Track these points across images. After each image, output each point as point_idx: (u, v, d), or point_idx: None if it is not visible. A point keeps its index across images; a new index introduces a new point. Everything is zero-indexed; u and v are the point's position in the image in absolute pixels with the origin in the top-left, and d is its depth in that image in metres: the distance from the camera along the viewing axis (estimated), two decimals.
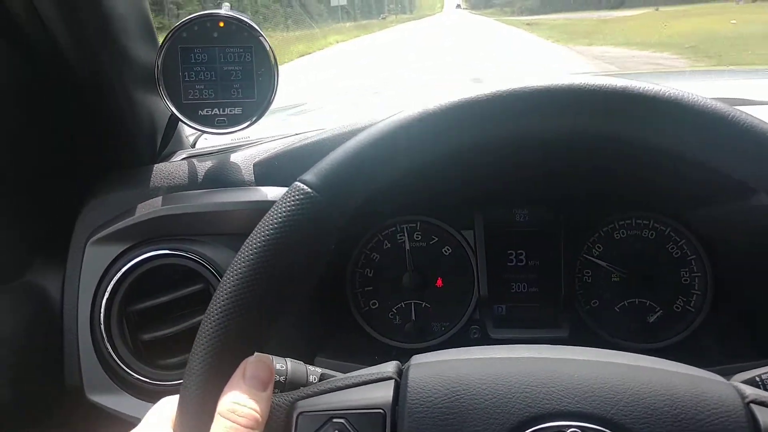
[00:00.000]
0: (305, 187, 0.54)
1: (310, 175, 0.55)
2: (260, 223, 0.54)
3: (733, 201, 0.91)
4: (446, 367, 0.52)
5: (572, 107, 0.56)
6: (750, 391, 0.49)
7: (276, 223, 0.53)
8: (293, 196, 0.54)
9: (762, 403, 0.48)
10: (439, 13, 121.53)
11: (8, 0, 0.76)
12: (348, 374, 0.56)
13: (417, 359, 0.55)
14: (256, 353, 0.61)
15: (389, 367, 0.55)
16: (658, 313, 1.01)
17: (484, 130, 0.57)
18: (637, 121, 0.55)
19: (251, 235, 0.54)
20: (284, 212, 0.53)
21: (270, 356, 0.65)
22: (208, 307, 0.53)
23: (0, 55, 0.79)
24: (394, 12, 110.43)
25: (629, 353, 0.54)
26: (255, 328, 0.53)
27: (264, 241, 0.53)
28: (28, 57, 0.83)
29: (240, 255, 0.53)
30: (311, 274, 0.57)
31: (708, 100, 0.54)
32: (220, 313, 0.52)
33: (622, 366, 0.51)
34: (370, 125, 0.58)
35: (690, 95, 0.55)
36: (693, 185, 0.91)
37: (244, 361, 0.53)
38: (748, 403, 0.48)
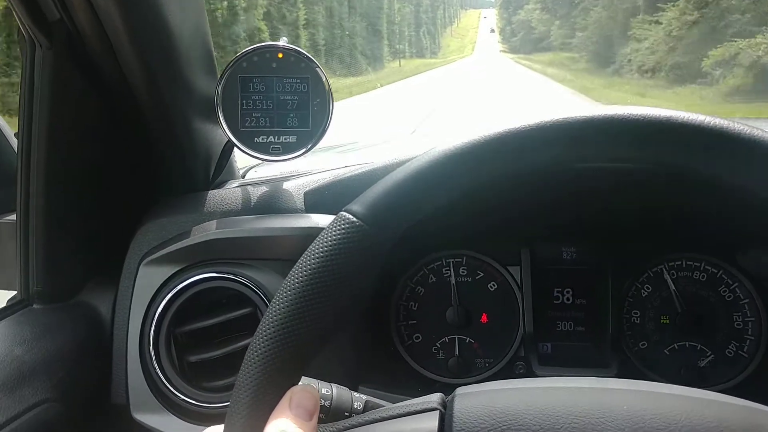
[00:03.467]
0: (351, 216, 0.55)
1: (356, 205, 0.56)
2: (307, 251, 0.55)
3: None
4: (492, 398, 0.52)
5: (633, 137, 0.56)
6: None
7: (323, 252, 0.54)
8: (340, 226, 0.55)
9: None
10: (469, 57, 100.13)
11: (81, 28, 0.80)
12: (392, 405, 0.56)
13: (462, 390, 0.54)
14: (302, 382, 0.61)
15: (434, 398, 0.54)
16: (710, 358, 0.98)
17: (528, 160, 0.58)
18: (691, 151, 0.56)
19: (298, 263, 0.55)
20: (331, 241, 0.54)
21: (316, 384, 0.65)
22: (255, 335, 0.53)
23: (73, 82, 0.83)
24: (399, 55, 79.27)
25: (680, 386, 0.52)
26: (301, 355, 0.54)
27: (311, 270, 0.54)
28: (97, 85, 0.87)
29: (287, 283, 0.54)
30: (357, 300, 0.57)
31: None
32: (268, 341, 0.52)
33: (674, 397, 0.50)
34: (414, 158, 0.59)
35: (747, 127, 0.55)
36: (743, 224, 0.90)
37: (290, 390, 0.54)
38: None
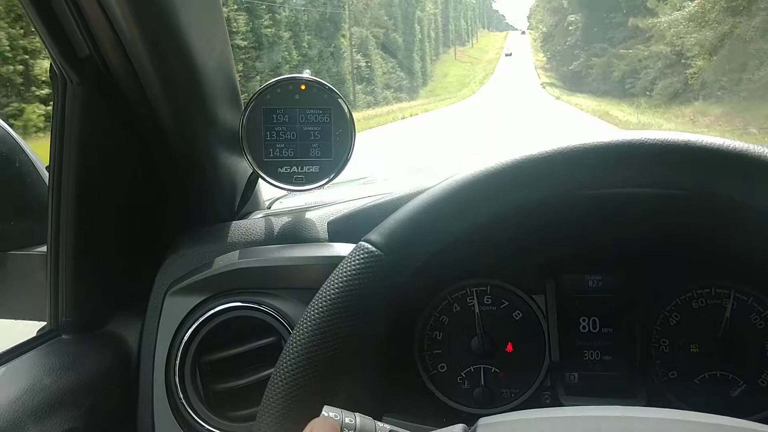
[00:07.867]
0: (370, 246, 0.56)
1: (374, 234, 0.58)
2: (327, 280, 0.56)
3: None
4: (514, 428, 0.52)
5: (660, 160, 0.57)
6: None
7: (342, 282, 0.55)
8: (358, 256, 0.56)
9: None
10: (470, 97, 52.73)
11: (110, 64, 0.82)
12: None
13: (485, 420, 0.54)
14: (324, 412, 0.61)
15: (457, 429, 0.54)
16: (742, 387, 0.96)
17: (546, 188, 0.58)
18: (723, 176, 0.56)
19: (318, 293, 0.56)
20: (351, 271, 0.56)
21: (339, 413, 0.65)
22: (276, 365, 0.54)
23: (102, 116, 0.85)
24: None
25: (697, 413, 0.52)
26: (323, 384, 0.54)
27: (331, 299, 0.55)
28: (125, 119, 0.89)
29: (307, 314, 0.55)
30: (377, 330, 0.58)
31: None
32: (289, 370, 0.53)
33: (691, 424, 0.50)
34: (432, 186, 0.59)
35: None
36: None
37: (311, 422, 0.53)
38: None
